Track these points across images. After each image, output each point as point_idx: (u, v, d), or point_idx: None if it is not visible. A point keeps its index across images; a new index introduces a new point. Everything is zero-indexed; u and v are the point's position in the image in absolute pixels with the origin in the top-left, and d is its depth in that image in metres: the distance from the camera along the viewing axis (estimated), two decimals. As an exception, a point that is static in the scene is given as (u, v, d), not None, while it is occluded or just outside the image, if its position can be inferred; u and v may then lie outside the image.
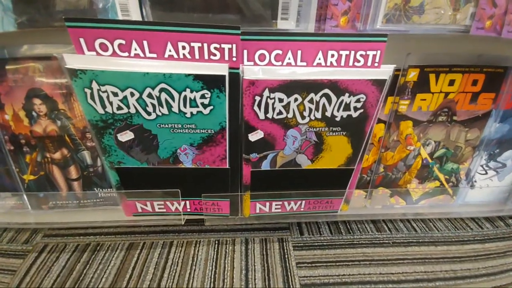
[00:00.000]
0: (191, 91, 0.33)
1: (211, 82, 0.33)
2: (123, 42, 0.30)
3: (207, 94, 0.34)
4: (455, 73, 0.40)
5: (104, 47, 0.31)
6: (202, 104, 0.35)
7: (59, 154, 0.43)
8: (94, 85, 0.32)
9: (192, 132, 0.37)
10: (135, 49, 0.31)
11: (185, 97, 0.34)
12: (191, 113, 0.35)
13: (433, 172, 0.49)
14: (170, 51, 0.31)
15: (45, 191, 0.46)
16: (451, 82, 0.41)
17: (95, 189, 0.46)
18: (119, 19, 0.32)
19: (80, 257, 0.45)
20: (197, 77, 0.32)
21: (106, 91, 0.32)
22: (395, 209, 0.52)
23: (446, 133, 0.46)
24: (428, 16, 0.33)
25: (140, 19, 0.32)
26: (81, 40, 0.30)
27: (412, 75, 0.39)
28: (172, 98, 0.34)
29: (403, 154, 0.46)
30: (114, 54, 0.31)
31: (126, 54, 0.31)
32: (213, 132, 0.37)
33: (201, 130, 0.37)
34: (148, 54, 0.31)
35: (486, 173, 0.51)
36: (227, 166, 0.41)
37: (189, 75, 0.32)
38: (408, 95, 0.41)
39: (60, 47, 0.34)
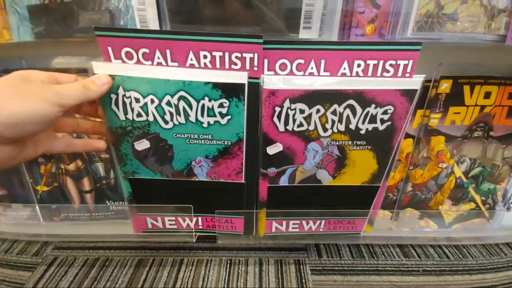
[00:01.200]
0: (209, 100, 0.33)
1: (230, 90, 0.32)
2: (147, 51, 0.30)
3: (226, 103, 0.33)
4: (491, 85, 0.37)
5: (129, 56, 0.31)
6: (220, 113, 0.33)
7: (74, 166, 0.43)
8: (120, 91, 0.32)
9: (208, 143, 0.36)
10: (158, 58, 0.31)
11: (203, 105, 0.33)
12: (208, 122, 0.34)
13: (468, 193, 0.45)
14: (191, 60, 0.31)
15: (57, 202, 0.45)
16: (487, 95, 0.38)
17: (107, 202, 0.45)
18: (144, 29, 0.32)
19: (88, 273, 0.43)
20: (216, 85, 0.32)
21: (130, 97, 0.33)
22: (425, 233, 0.47)
23: (482, 149, 0.42)
24: (462, 24, 0.31)
25: (159, 30, 0.32)
26: (109, 48, 0.30)
27: (445, 86, 0.36)
28: (190, 106, 0.33)
29: (434, 172, 0.43)
30: (138, 62, 0.31)
31: (149, 62, 0.31)
32: (229, 143, 0.36)
33: (218, 142, 0.36)
34: (170, 63, 0.31)
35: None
36: (243, 181, 0.39)
37: (208, 83, 0.32)
38: (440, 108, 0.38)
39: (78, 59, 0.35)
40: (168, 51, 0.30)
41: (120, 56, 0.31)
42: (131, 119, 0.34)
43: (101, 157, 0.42)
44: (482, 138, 0.41)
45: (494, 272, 0.45)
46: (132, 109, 0.33)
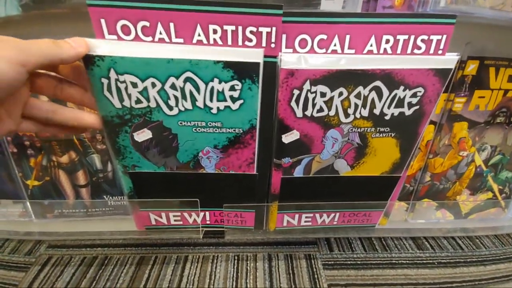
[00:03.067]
0: (220, 82, 0.29)
1: (243, 71, 0.28)
2: (147, 24, 0.26)
3: (238, 85, 0.29)
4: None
5: (126, 30, 0.27)
6: (231, 97, 0.30)
7: (67, 158, 0.39)
8: (112, 74, 0.28)
9: (217, 131, 0.32)
10: (160, 33, 0.27)
11: (212, 88, 0.29)
12: (218, 108, 0.31)
13: (486, 182, 0.43)
14: (199, 35, 0.27)
15: (50, 198, 0.42)
16: (511, 78, 0.36)
17: (104, 197, 0.41)
18: None
19: (86, 272, 0.40)
20: (227, 65, 0.28)
21: (124, 81, 0.28)
22: (441, 224, 0.46)
23: (503, 136, 0.40)
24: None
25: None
26: (102, 21, 0.26)
27: (471, 68, 0.34)
28: (198, 89, 0.29)
29: (454, 160, 0.40)
30: (137, 38, 0.27)
31: (150, 38, 0.27)
32: (241, 131, 0.32)
33: (228, 129, 0.32)
34: (174, 39, 0.27)
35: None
36: (255, 172, 0.35)
37: (218, 62, 0.28)
38: (465, 92, 0.35)
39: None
40: (172, 25, 0.26)
41: (115, 30, 0.26)
42: (128, 106, 0.30)
43: (97, 148, 0.39)
44: (503, 124, 0.39)
45: (508, 262, 0.44)
46: (129, 95, 0.29)
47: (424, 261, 0.44)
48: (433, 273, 0.42)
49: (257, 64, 0.28)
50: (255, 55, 0.28)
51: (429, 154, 0.40)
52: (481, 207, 0.45)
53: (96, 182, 0.41)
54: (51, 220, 0.43)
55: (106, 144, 0.38)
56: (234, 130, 0.32)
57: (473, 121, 0.38)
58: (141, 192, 0.38)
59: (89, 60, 0.27)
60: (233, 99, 0.30)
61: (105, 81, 0.28)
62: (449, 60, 0.28)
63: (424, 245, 0.46)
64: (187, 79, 0.29)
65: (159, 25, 0.26)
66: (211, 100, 0.30)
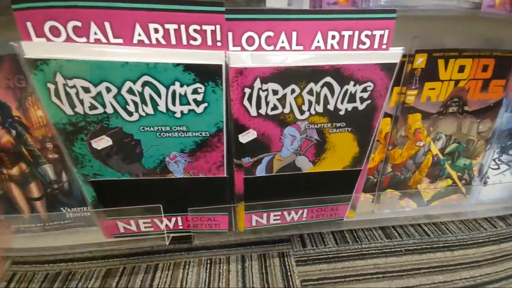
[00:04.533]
0: (181, 85, 0.28)
1: (205, 74, 0.28)
2: (79, 24, 0.25)
3: (201, 88, 0.28)
4: (465, 58, 0.37)
5: (55, 32, 0.25)
6: (195, 100, 0.29)
7: (17, 170, 0.37)
8: (59, 79, 0.26)
9: (183, 135, 0.32)
10: (95, 33, 0.25)
11: (173, 92, 0.28)
12: (182, 112, 0.30)
13: (445, 170, 0.45)
14: (139, 35, 0.26)
15: (4, 213, 0.39)
16: (461, 69, 0.37)
17: (61, 209, 0.39)
18: None
19: (48, 290, 0.38)
20: (187, 68, 0.27)
21: (74, 86, 0.27)
22: (406, 213, 0.47)
23: (457, 125, 0.42)
24: (437, -9, 0.30)
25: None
26: (29, 24, 0.25)
27: (420, 61, 0.35)
28: (158, 94, 0.28)
29: (412, 151, 0.42)
30: (68, 39, 0.25)
31: (84, 39, 0.25)
32: (208, 135, 0.32)
33: (194, 133, 0.32)
34: (112, 39, 0.26)
35: (499, 168, 0.47)
36: (225, 175, 0.35)
37: (178, 64, 0.27)
38: (416, 84, 0.36)
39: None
40: (108, 24, 0.25)
41: (43, 32, 0.25)
42: (82, 113, 0.29)
43: (48, 158, 0.36)
44: (457, 114, 0.41)
45: (476, 247, 0.45)
46: (81, 101, 0.28)
47: (392, 250, 0.45)
48: (401, 261, 0.43)
49: (219, 66, 0.27)
50: (216, 57, 0.27)
51: (388, 146, 0.41)
52: (442, 194, 0.47)
53: (51, 194, 0.38)
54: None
55: (61, 153, 0.36)
56: (200, 134, 0.32)
57: (426, 112, 0.39)
58: (106, 200, 0.36)
59: (31, 64, 0.25)
60: (197, 103, 0.29)
61: (51, 86, 0.27)
62: (394, 54, 0.29)
63: (393, 234, 0.48)
64: (146, 83, 0.28)
65: (93, 24, 0.25)
66: (173, 104, 0.29)
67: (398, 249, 0.45)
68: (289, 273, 0.41)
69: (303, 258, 0.43)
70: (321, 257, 0.43)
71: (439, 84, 0.38)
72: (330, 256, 0.44)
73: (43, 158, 0.36)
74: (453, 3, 0.30)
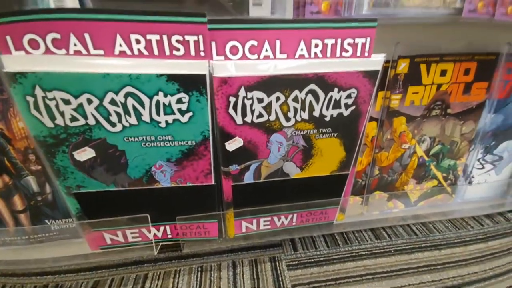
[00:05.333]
0: (165, 95, 0.28)
1: (188, 83, 0.28)
2: (58, 36, 0.24)
3: (185, 98, 0.28)
4: (447, 62, 0.38)
5: (34, 44, 0.25)
6: (180, 110, 0.29)
7: (0, 182, 0.36)
8: (38, 91, 0.26)
9: (168, 145, 0.31)
10: (75, 45, 0.25)
11: (157, 102, 0.28)
12: (166, 122, 0.30)
13: (430, 171, 0.46)
14: (120, 45, 0.26)
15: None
16: (443, 73, 0.38)
17: (46, 221, 0.38)
18: (49, 8, 0.25)
19: (34, 304, 0.37)
20: (171, 78, 0.27)
21: (54, 98, 0.26)
22: (394, 213, 0.48)
23: (440, 127, 0.43)
24: (417, -1, 0.30)
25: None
26: (8, 38, 0.24)
27: (403, 66, 0.36)
28: (142, 104, 0.28)
29: (398, 153, 0.43)
30: (48, 51, 0.25)
31: (63, 51, 0.25)
32: (194, 143, 0.32)
33: (180, 142, 0.31)
34: (92, 51, 0.26)
35: (483, 167, 0.48)
36: (213, 183, 0.35)
37: (161, 75, 0.27)
38: (399, 89, 0.37)
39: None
40: (87, 36, 0.25)
41: (22, 45, 0.25)
42: (62, 125, 0.28)
43: (31, 169, 0.36)
44: (440, 116, 0.42)
45: (464, 245, 0.46)
46: (62, 113, 0.27)
47: (382, 250, 0.45)
48: (390, 261, 0.44)
49: (203, 76, 0.27)
50: (199, 67, 0.27)
51: (375, 149, 0.42)
52: (428, 194, 0.48)
53: (34, 206, 0.38)
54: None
55: (43, 165, 0.35)
56: (186, 143, 0.32)
57: (410, 115, 0.40)
58: (91, 212, 0.35)
59: (10, 77, 0.25)
60: (182, 112, 0.29)
61: (30, 99, 0.26)
62: (376, 61, 0.30)
63: (382, 235, 0.48)
64: (129, 94, 0.27)
65: (72, 36, 0.25)
66: (158, 114, 0.29)
67: (387, 249, 0.46)
68: (280, 278, 0.41)
69: (294, 263, 0.43)
70: (312, 260, 0.44)
71: (422, 88, 0.39)
72: (321, 259, 0.44)
73: (25, 170, 0.35)
74: (433, 10, 0.31)
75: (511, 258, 0.45)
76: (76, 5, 0.25)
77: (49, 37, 0.24)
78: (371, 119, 0.39)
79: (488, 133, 0.45)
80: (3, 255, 0.40)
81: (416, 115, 0.40)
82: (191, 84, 0.28)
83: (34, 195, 0.37)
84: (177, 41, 0.26)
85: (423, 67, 0.37)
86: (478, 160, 0.47)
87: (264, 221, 0.41)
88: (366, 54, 0.29)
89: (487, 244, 0.47)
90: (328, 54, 0.29)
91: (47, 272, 0.41)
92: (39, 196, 0.37)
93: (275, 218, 0.41)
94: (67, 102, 0.27)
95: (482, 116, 0.43)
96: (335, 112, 0.32)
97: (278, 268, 0.42)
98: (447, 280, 0.41)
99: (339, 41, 0.28)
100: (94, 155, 0.31)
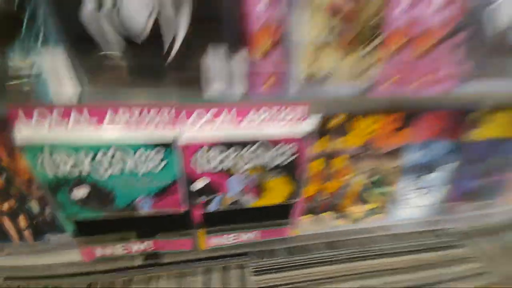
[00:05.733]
0: (146, 150, 0.37)
1: (162, 145, 0.37)
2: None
3: (161, 151, 0.37)
4: (376, 116, 0.46)
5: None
6: (157, 160, 0.38)
7: (7, 206, 0.43)
8: (46, 154, 0.34)
9: (148, 185, 0.40)
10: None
11: (140, 155, 0.37)
12: (147, 167, 0.38)
13: (371, 195, 0.55)
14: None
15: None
16: (373, 124, 0.47)
17: (46, 236, 0.46)
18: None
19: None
20: (148, 146, 0.36)
21: (57, 158, 0.35)
22: (342, 228, 0.57)
23: (376, 162, 0.51)
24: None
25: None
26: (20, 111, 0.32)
27: (340, 118, 0.44)
28: (126, 158, 0.37)
29: (341, 183, 0.52)
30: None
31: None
32: (169, 182, 0.40)
33: (157, 182, 0.40)
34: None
35: (417, 193, 0.58)
36: (186, 209, 0.44)
37: (142, 143, 0.36)
38: (336, 136, 0.46)
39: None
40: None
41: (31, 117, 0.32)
42: (63, 174, 0.36)
43: (34, 195, 0.43)
44: (373, 155, 0.50)
45: (400, 255, 0.55)
46: (64, 165, 0.36)
47: (333, 259, 0.54)
48: (340, 267, 0.53)
49: (171, 143, 0.36)
50: (168, 137, 0.36)
51: (321, 180, 0.50)
52: (370, 214, 0.57)
53: (36, 225, 0.45)
54: (3, 258, 0.47)
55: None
56: (162, 183, 0.40)
57: (349, 154, 0.49)
58: (84, 232, 0.44)
59: (21, 146, 0.33)
60: (159, 161, 0.38)
61: (39, 157, 0.34)
62: (311, 123, 0.38)
63: (334, 245, 0.57)
64: (116, 152, 0.36)
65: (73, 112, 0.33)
66: (139, 164, 0.37)
67: (340, 258, 0.54)
68: (247, 282, 0.49)
69: (259, 269, 0.51)
70: (275, 267, 0.52)
71: (356, 134, 0.47)
72: (284, 266, 0.52)
73: (29, 196, 0.43)
74: (348, 89, 0.39)
75: (439, 271, 0.54)
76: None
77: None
78: (316, 156, 0.48)
79: (418, 165, 0.54)
80: (10, 262, 0.48)
81: (354, 153, 0.49)
82: (164, 145, 0.36)
83: (36, 216, 0.45)
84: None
85: (356, 120, 0.45)
86: (411, 186, 0.57)
87: (234, 236, 0.50)
88: (304, 117, 0.38)
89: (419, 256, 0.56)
90: (272, 119, 0.37)
91: (48, 276, 0.49)
92: (40, 216, 0.45)
93: (242, 234, 0.50)
94: (66, 162, 0.35)
95: (411, 151, 0.52)
96: (280, 160, 0.41)
97: (245, 273, 0.50)
98: (389, 284, 0.49)
99: (281, 110, 0.37)
100: (88, 190, 0.39)
